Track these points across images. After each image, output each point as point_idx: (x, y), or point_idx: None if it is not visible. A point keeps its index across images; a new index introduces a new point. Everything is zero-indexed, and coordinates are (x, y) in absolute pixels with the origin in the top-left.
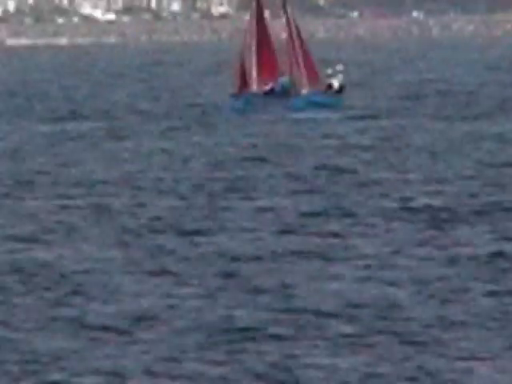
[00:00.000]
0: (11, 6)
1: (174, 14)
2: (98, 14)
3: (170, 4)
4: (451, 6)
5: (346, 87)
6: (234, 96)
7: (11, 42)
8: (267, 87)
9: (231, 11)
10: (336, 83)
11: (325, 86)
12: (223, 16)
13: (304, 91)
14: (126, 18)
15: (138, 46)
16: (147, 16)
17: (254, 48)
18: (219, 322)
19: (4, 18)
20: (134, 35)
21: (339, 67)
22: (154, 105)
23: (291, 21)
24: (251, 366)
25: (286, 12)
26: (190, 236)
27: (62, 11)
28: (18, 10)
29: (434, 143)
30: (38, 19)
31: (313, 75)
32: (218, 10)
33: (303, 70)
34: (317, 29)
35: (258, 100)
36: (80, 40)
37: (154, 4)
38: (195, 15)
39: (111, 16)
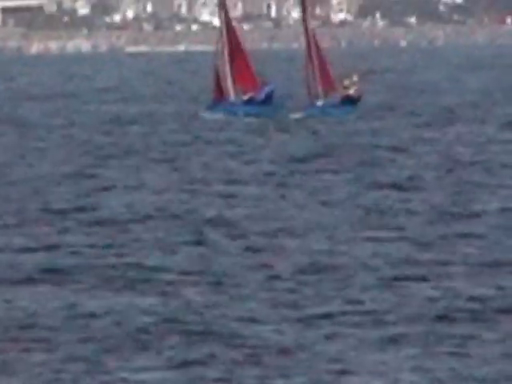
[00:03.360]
0: (130, 14)
1: (294, 22)
2: (217, 21)
3: (289, 12)
4: None
5: (363, 97)
6: (212, 106)
7: (130, 49)
8: (246, 96)
9: (350, 18)
10: (353, 92)
11: (342, 95)
12: (342, 23)
13: (319, 102)
14: (245, 26)
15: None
16: (267, 23)
17: (226, 57)
18: None
19: (123, 25)
20: (253, 42)
21: (355, 78)
22: None
23: (309, 30)
24: None
25: (304, 20)
26: None
27: (180, 18)
28: (137, 18)
29: None
30: (156, 26)
31: (329, 85)
32: (337, 17)
33: (319, 80)
34: (436, 35)
35: (237, 109)
36: (198, 47)
37: (273, 12)
38: (314, 22)
39: None
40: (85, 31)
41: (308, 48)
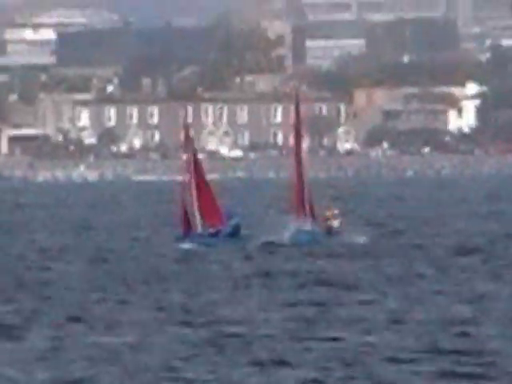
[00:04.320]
0: (137, 143)
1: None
2: (225, 150)
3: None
4: None
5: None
6: (180, 237)
7: (137, 178)
8: (212, 229)
9: (357, 147)
10: (336, 224)
11: (324, 226)
12: (349, 152)
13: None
14: (252, 155)
15: (265, 181)
16: (274, 152)
17: (194, 190)
18: None
19: (130, 154)
20: (261, 171)
21: (336, 210)
22: None
23: (303, 162)
24: None
25: (298, 154)
26: None
27: None
28: (144, 147)
29: None
30: (164, 155)
31: (314, 217)
32: (343, 146)
33: (308, 211)
34: (443, 165)
35: (204, 242)
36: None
37: (280, 140)
38: (322, 152)
39: (238, 152)
40: (91, 160)
41: (298, 178)
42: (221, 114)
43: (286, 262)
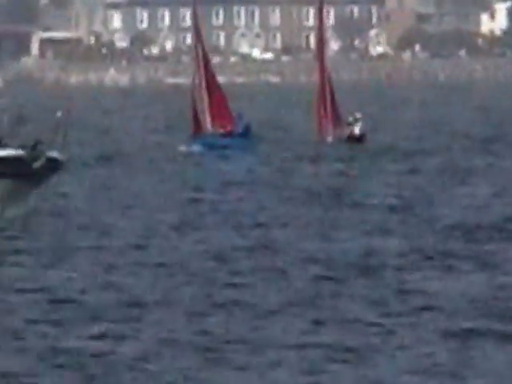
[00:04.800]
0: (169, 46)
1: (333, 53)
2: (256, 53)
3: (328, 44)
4: None
5: (367, 135)
6: (190, 140)
7: (169, 80)
8: (224, 129)
9: (389, 51)
10: (357, 131)
11: (348, 132)
12: (381, 56)
13: (329, 138)
14: (284, 58)
15: (297, 86)
16: (306, 56)
17: (204, 91)
18: None
19: (162, 57)
20: (293, 75)
21: (358, 115)
22: None
23: (325, 65)
24: None
25: (321, 55)
26: None
27: (219, 50)
28: (176, 50)
29: None
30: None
31: (337, 122)
32: (375, 50)
33: (330, 116)
34: (475, 68)
35: (216, 142)
36: (237, 79)
37: (312, 44)
38: (353, 55)
39: (269, 55)
40: (123, 63)
41: (321, 84)
42: (253, 16)
43: None
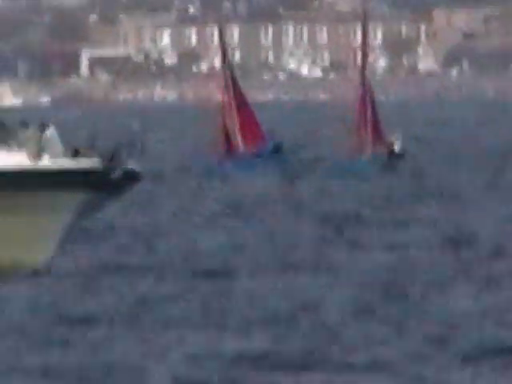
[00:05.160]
0: (217, 62)
1: (380, 72)
2: (305, 70)
3: (376, 61)
4: None
5: (405, 154)
6: (221, 160)
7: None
8: (254, 150)
9: (437, 68)
10: (398, 148)
11: (388, 149)
12: (429, 73)
13: (367, 154)
14: (332, 75)
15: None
16: (354, 73)
17: (235, 111)
18: None
19: (211, 73)
20: (340, 92)
21: (398, 135)
22: None
23: (367, 83)
24: None
25: (363, 74)
26: None
27: (268, 67)
28: None
29: None
30: (244, 75)
31: (378, 138)
32: (423, 67)
33: (370, 133)
34: None
35: (248, 161)
36: (285, 97)
37: (359, 60)
38: (401, 72)
39: (317, 72)
40: (172, 80)
41: (362, 99)
42: (301, 34)
43: None
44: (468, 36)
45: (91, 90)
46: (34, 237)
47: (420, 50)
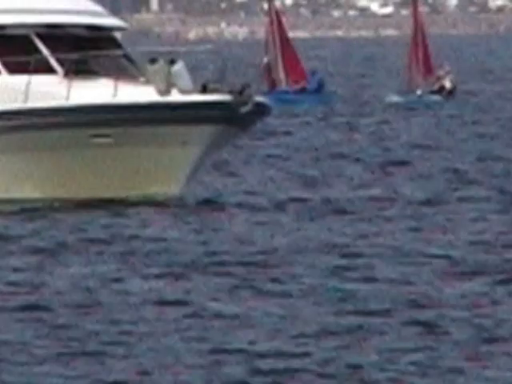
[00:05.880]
0: (288, 0)
1: (451, 7)
2: (375, 7)
3: None
4: None
5: (457, 88)
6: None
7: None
8: (298, 85)
9: (509, 4)
10: (448, 84)
11: (437, 86)
12: (500, 9)
13: (418, 91)
14: (403, 12)
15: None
16: (425, 9)
17: (278, 47)
18: None
19: (281, 10)
20: (409, 27)
21: (447, 67)
22: None
23: (418, 16)
24: None
25: (415, 8)
26: None
27: (338, 4)
28: (295, 3)
29: None
30: (314, 12)
31: (429, 73)
32: (495, 3)
33: (421, 67)
34: None
35: (290, 97)
36: (356, 33)
37: None
38: (472, 8)
39: (388, 9)
40: (242, 16)
41: (415, 35)
42: None
43: None
44: None
45: (161, 27)
46: (165, 169)
47: None
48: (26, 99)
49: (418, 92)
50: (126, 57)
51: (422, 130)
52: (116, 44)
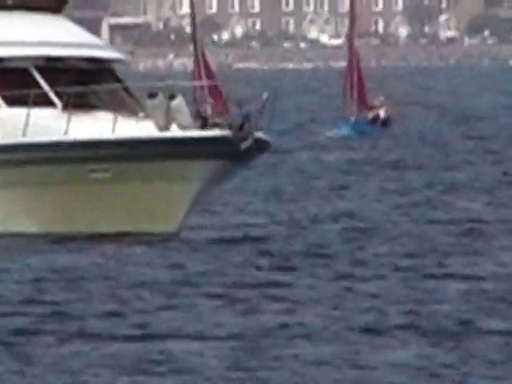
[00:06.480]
0: (239, 31)
1: (402, 39)
2: (325, 38)
3: (397, 29)
4: None
5: (391, 120)
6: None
7: (239, 65)
8: (372, 114)
9: (458, 36)
10: (383, 114)
11: (372, 116)
12: (450, 40)
13: (352, 118)
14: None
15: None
16: (375, 41)
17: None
18: None
19: (232, 42)
20: (362, 60)
21: (381, 99)
22: None
23: (353, 47)
24: None
25: (350, 39)
26: None
27: (288, 36)
28: (246, 35)
29: None
30: (265, 44)
31: (363, 104)
32: (445, 34)
33: (355, 97)
34: None
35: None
36: (306, 65)
37: (381, 29)
38: (423, 40)
39: (339, 41)
40: (191, 49)
41: (350, 65)
42: (322, 2)
43: None
44: (490, 3)
45: None
46: (163, 205)
47: (442, 18)
48: (24, 132)
49: (352, 119)
50: (126, 90)
51: None
52: (115, 77)
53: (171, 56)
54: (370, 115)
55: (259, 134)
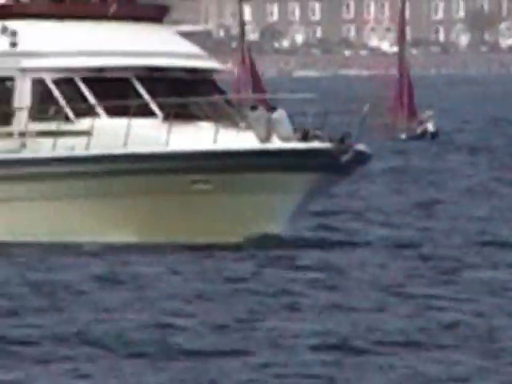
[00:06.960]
0: (299, 39)
1: (462, 47)
2: (386, 46)
3: (458, 37)
4: None
5: (440, 133)
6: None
7: (299, 73)
8: (421, 129)
9: None
10: (431, 128)
11: (420, 130)
12: (511, 48)
13: (402, 136)
14: (414, 51)
15: (426, 79)
16: (436, 49)
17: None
18: None
19: (292, 50)
20: (422, 68)
21: (429, 113)
22: None
23: (404, 58)
24: None
25: (402, 51)
26: None
27: (349, 43)
28: (306, 43)
29: None
30: (325, 51)
31: (413, 114)
32: (506, 42)
33: (405, 112)
34: None
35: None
36: (366, 72)
37: (442, 37)
38: (483, 48)
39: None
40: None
41: (401, 77)
42: (382, 10)
43: None
44: None
45: None
46: (263, 217)
47: (502, 26)
48: (125, 143)
49: (403, 136)
50: (227, 101)
51: None
52: (216, 87)
53: (229, 64)
54: (419, 130)
55: (360, 146)
